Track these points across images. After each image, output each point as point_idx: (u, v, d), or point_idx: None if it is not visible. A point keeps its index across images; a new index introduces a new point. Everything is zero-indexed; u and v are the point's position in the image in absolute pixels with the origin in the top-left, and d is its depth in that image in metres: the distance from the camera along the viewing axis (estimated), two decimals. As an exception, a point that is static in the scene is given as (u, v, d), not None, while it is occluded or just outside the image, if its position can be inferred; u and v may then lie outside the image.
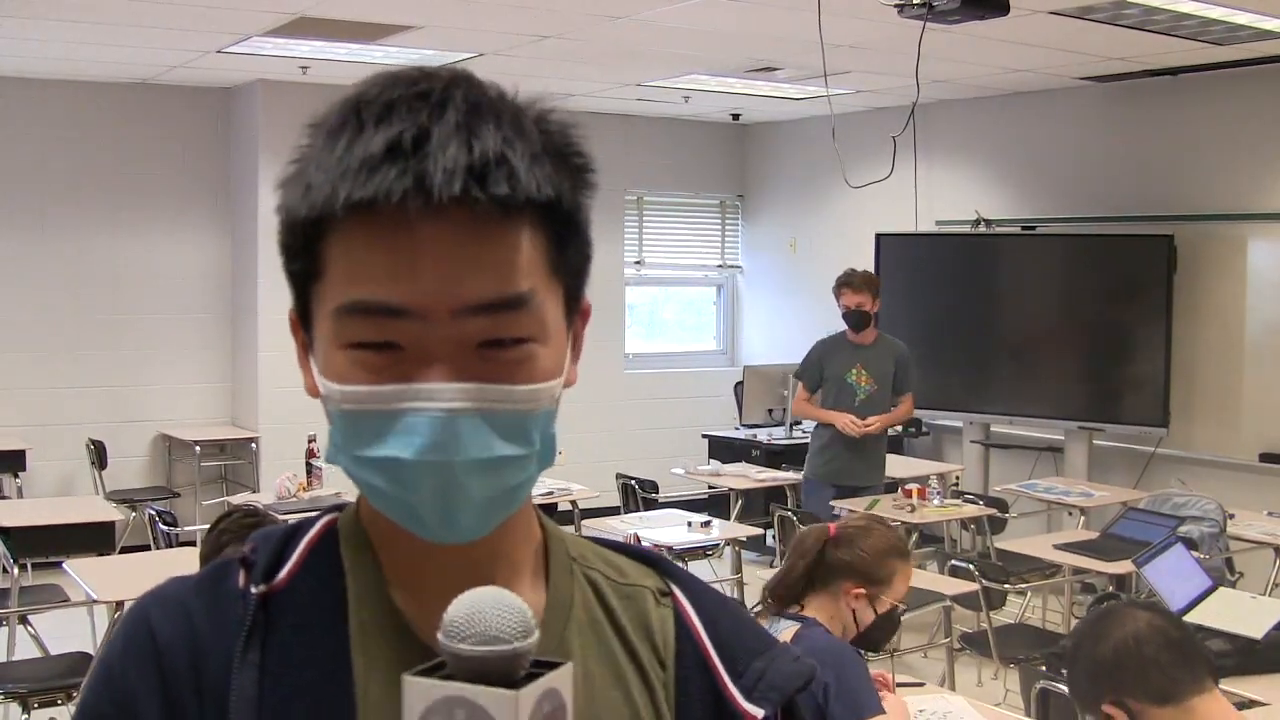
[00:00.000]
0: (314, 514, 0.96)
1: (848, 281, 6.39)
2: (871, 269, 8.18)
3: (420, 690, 0.77)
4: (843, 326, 6.45)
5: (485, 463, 0.83)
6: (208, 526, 3.30)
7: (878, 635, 3.10)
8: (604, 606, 0.96)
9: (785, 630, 2.93)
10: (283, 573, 0.91)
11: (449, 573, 0.88)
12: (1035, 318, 7.90)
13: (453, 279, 0.82)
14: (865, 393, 6.36)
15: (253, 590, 0.89)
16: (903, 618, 4.98)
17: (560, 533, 0.99)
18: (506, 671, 0.76)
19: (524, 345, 0.85)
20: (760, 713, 0.94)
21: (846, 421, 6.31)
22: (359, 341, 0.83)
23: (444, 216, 0.81)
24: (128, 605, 0.94)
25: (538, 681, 0.77)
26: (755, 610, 3.08)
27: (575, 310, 0.92)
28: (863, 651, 3.06)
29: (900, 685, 3.42)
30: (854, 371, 6.39)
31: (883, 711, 2.82)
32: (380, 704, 0.86)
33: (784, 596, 3.01)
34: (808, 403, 6.55)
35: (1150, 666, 2.15)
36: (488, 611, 0.77)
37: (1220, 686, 2.25)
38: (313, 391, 0.91)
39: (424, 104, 0.83)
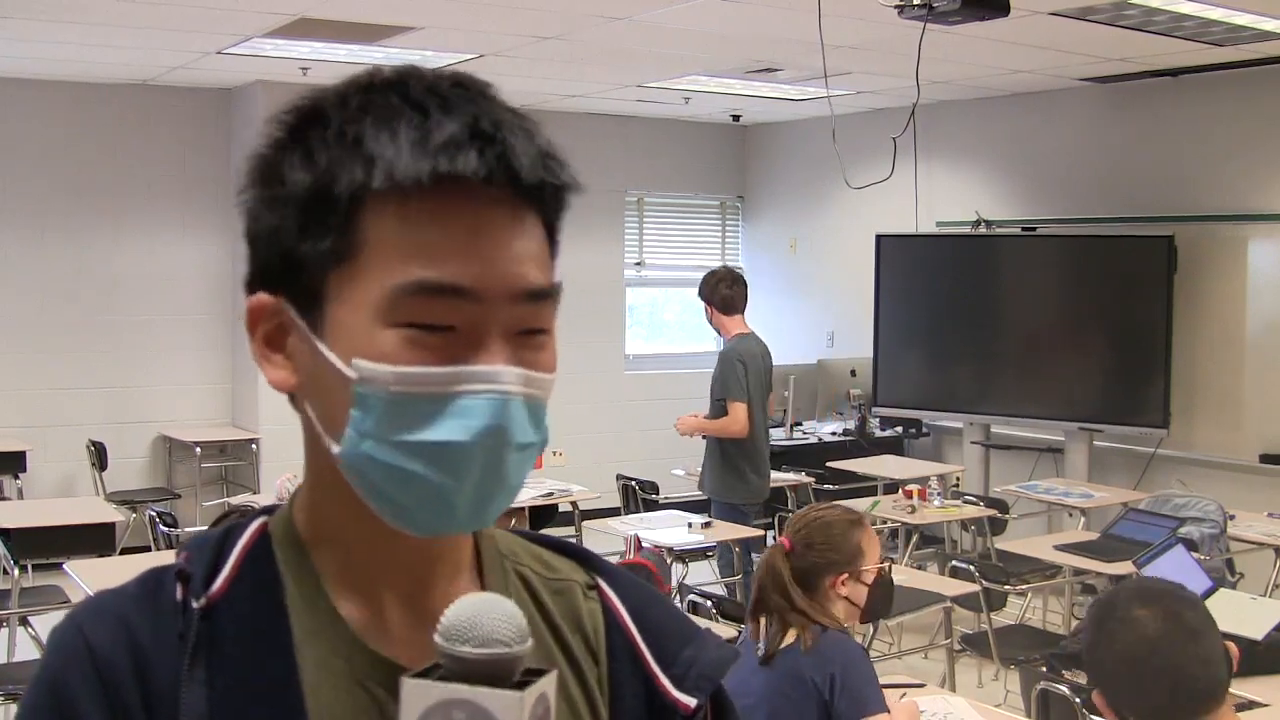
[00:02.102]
0: (244, 519, 0.94)
1: None
2: (871, 270, 8.21)
3: (419, 692, 0.77)
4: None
5: (523, 447, 0.85)
6: (207, 528, 3.29)
7: (880, 603, 3.07)
8: (537, 603, 0.96)
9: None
10: (219, 582, 0.88)
11: (397, 572, 0.89)
12: (1035, 318, 7.89)
13: (514, 265, 0.84)
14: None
15: (194, 604, 0.86)
16: (904, 618, 5.04)
17: (490, 530, 0.98)
18: (505, 674, 0.77)
19: (544, 335, 0.87)
20: (693, 702, 0.95)
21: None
22: (413, 322, 0.82)
23: (501, 202, 0.84)
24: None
25: (535, 684, 0.77)
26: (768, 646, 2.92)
27: None
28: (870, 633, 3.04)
29: (900, 686, 3.42)
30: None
31: (887, 709, 2.82)
32: (332, 711, 0.85)
33: (786, 624, 2.89)
34: None
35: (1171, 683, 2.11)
36: (487, 616, 0.78)
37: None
38: (283, 385, 0.90)
39: (469, 93, 0.85)
